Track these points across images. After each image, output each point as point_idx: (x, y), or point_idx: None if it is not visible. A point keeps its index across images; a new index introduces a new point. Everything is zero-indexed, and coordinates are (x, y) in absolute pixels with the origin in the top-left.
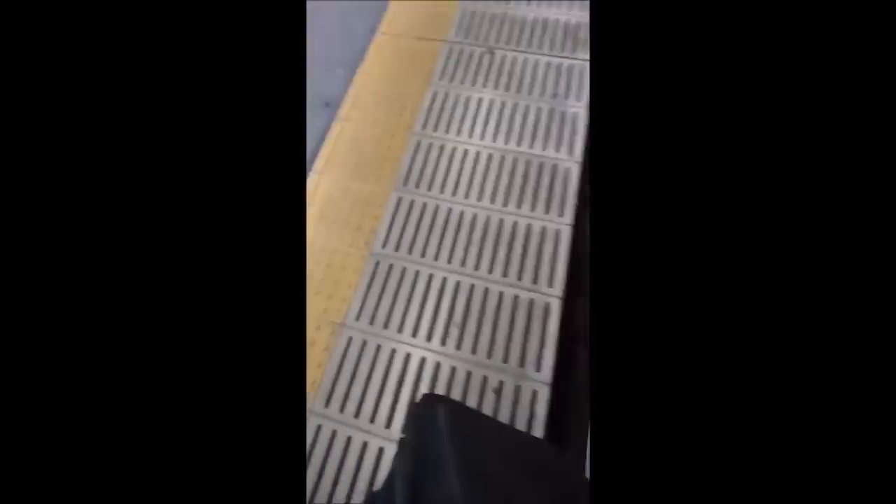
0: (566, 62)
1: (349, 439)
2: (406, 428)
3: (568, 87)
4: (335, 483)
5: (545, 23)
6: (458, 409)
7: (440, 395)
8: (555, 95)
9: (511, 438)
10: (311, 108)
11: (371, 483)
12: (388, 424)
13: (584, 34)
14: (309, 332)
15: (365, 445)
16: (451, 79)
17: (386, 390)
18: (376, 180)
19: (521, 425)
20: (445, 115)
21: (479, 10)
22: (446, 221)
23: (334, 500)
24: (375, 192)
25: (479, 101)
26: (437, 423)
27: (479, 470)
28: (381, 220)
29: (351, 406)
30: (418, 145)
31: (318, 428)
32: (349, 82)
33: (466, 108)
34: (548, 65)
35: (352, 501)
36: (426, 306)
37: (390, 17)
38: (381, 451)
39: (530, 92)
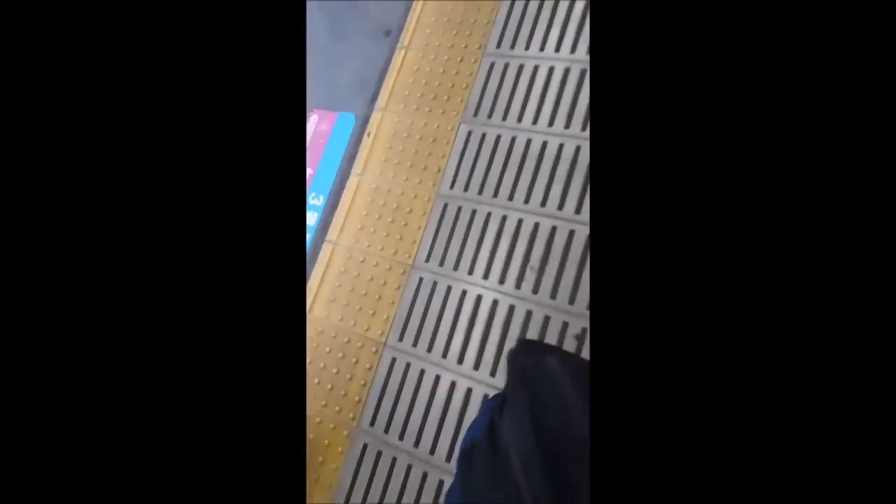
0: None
1: (422, 372)
2: (510, 380)
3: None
4: (409, 411)
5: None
6: (571, 360)
7: (539, 343)
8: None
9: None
10: (371, 38)
11: (443, 413)
12: (461, 360)
13: None
14: (381, 272)
15: (437, 379)
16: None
17: (457, 329)
18: (443, 113)
19: None
20: (525, 28)
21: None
22: (524, 155)
23: (408, 424)
24: (443, 127)
25: (555, 8)
26: (556, 379)
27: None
28: (448, 157)
29: (423, 342)
30: (491, 68)
31: (393, 361)
32: (411, 7)
33: (549, 27)
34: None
35: (420, 425)
36: (499, 249)
37: None
38: (452, 384)
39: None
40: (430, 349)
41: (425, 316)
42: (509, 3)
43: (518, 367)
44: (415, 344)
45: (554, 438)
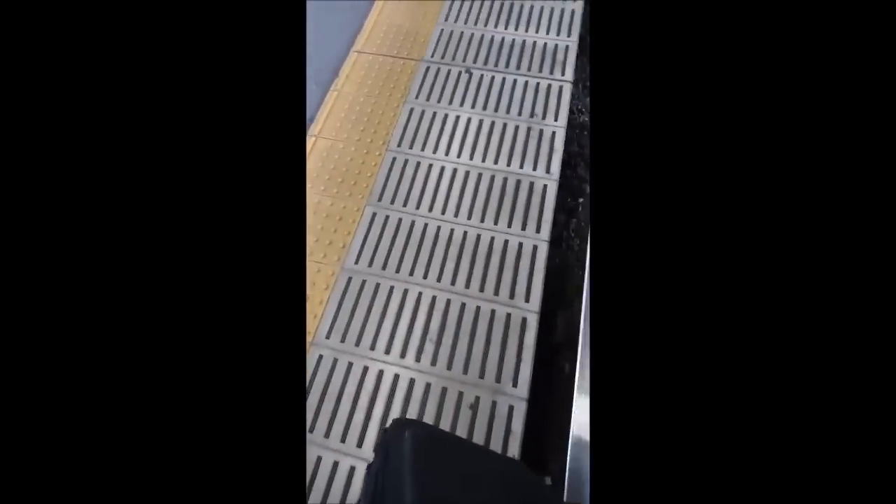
0: (544, 82)
1: (318, 459)
2: (375, 453)
3: (546, 106)
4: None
5: (523, 45)
6: (425, 432)
7: (410, 420)
8: (533, 114)
9: (479, 460)
10: None
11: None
12: (360, 444)
13: (562, 56)
14: None
15: (335, 465)
16: (428, 97)
17: (358, 408)
18: (349, 196)
19: (497, 441)
20: (422, 133)
21: (457, 31)
22: (422, 237)
23: None
24: (348, 208)
25: (457, 118)
26: (402, 447)
27: (437, 491)
28: (353, 234)
29: (321, 425)
30: (393, 162)
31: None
32: (323, 99)
33: (443, 125)
34: (525, 84)
35: None
36: (400, 322)
37: (366, 36)
38: (352, 469)
39: (508, 111)
40: (327, 433)
41: (323, 396)
42: (409, 108)
43: (381, 440)
44: (311, 430)
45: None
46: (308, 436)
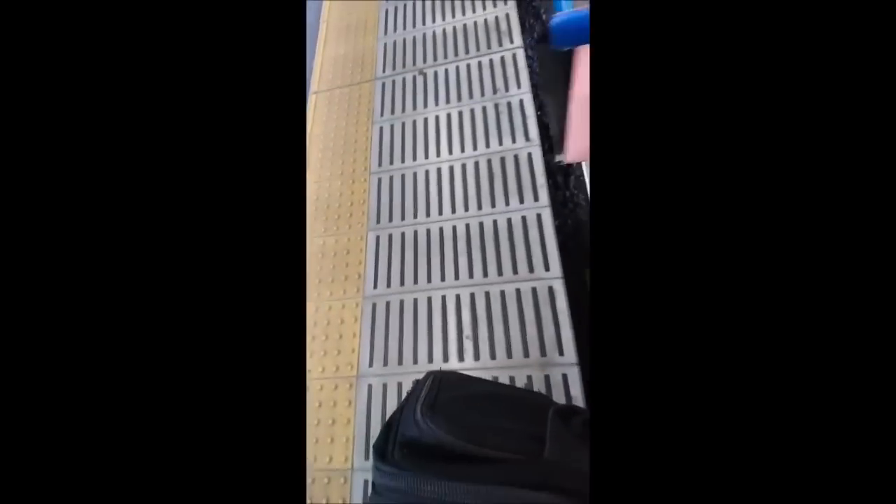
0: (496, 56)
1: None
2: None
3: (505, 78)
4: None
5: (465, 28)
6: (446, 375)
7: (439, 370)
8: (495, 90)
9: (491, 391)
10: None
11: None
12: None
13: (505, 25)
14: (328, 392)
15: None
16: (392, 111)
17: None
18: (349, 228)
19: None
20: (397, 147)
21: (399, 39)
22: (428, 243)
23: None
24: (352, 240)
25: (425, 121)
26: (423, 383)
27: (442, 410)
28: (364, 263)
29: None
30: (380, 183)
31: (365, 483)
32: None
33: (415, 132)
34: (479, 65)
35: None
36: (434, 329)
37: (318, 76)
38: None
39: (471, 96)
40: None
41: (383, 421)
42: (378, 127)
43: (424, 378)
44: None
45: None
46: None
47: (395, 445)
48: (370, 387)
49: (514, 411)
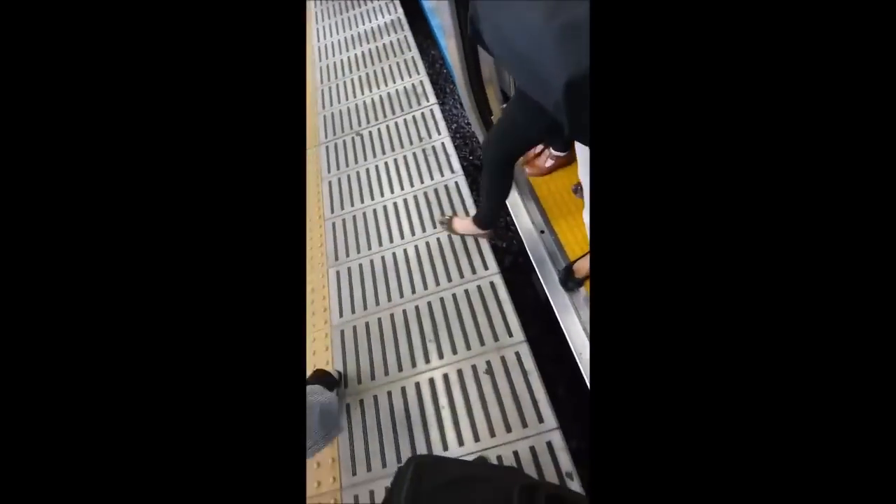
0: (418, 113)
1: (371, 493)
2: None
3: (427, 128)
4: None
5: (388, 95)
6: (425, 460)
7: (419, 455)
8: (420, 139)
9: (466, 473)
10: None
11: None
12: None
13: (421, 89)
14: None
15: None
16: (338, 167)
17: (399, 431)
18: (311, 270)
19: (520, 385)
20: (346, 194)
21: (336, 110)
22: (384, 268)
23: None
24: (314, 278)
25: (367, 170)
26: (405, 472)
27: (426, 489)
28: (328, 297)
29: (376, 462)
30: (334, 227)
31: (356, 498)
32: None
33: (360, 181)
34: (405, 121)
35: None
36: (400, 342)
37: None
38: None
39: (402, 146)
40: (384, 465)
41: (366, 435)
42: (328, 182)
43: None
44: (369, 469)
45: None
46: (366, 476)
47: None
48: (348, 406)
49: (485, 493)
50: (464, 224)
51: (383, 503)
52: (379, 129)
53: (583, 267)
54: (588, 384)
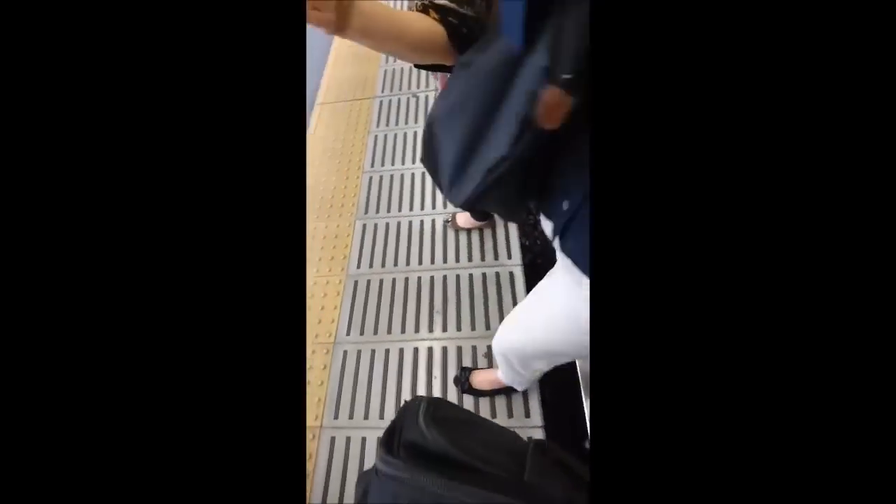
0: None
1: (364, 440)
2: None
3: None
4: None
5: None
6: (435, 399)
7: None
8: None
9: (474, 419)
10: None
11: None
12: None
13: None
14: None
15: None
16: (387, 123)
17: (388, 387)
18: (339, 216)
19: None
20: (388, 152)
21: (398, 66)
22: (409, 232)
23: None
24: (341, 226)
25: (415, 134)
26: (417, 402)
27: (443, 423)
28: (350, 246)
29: (359, 411)
30: (370, 181)
31: (332, 440)
32: None
33: (405, 143)
34: None
35: None
36: (409, 305)
37: (325, 89)
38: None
39: None
40: (366, 416)
41: (356, 385)
42: (374, 135)
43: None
44: (351, 417)
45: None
46: (347, 422)
47: (399, 446)
48: (345, 353)
49: (500, 436)
50: (465, 216)
51: (389, 430)
52: (435, 94)
53: (483, 379)
54: (583, 393)
